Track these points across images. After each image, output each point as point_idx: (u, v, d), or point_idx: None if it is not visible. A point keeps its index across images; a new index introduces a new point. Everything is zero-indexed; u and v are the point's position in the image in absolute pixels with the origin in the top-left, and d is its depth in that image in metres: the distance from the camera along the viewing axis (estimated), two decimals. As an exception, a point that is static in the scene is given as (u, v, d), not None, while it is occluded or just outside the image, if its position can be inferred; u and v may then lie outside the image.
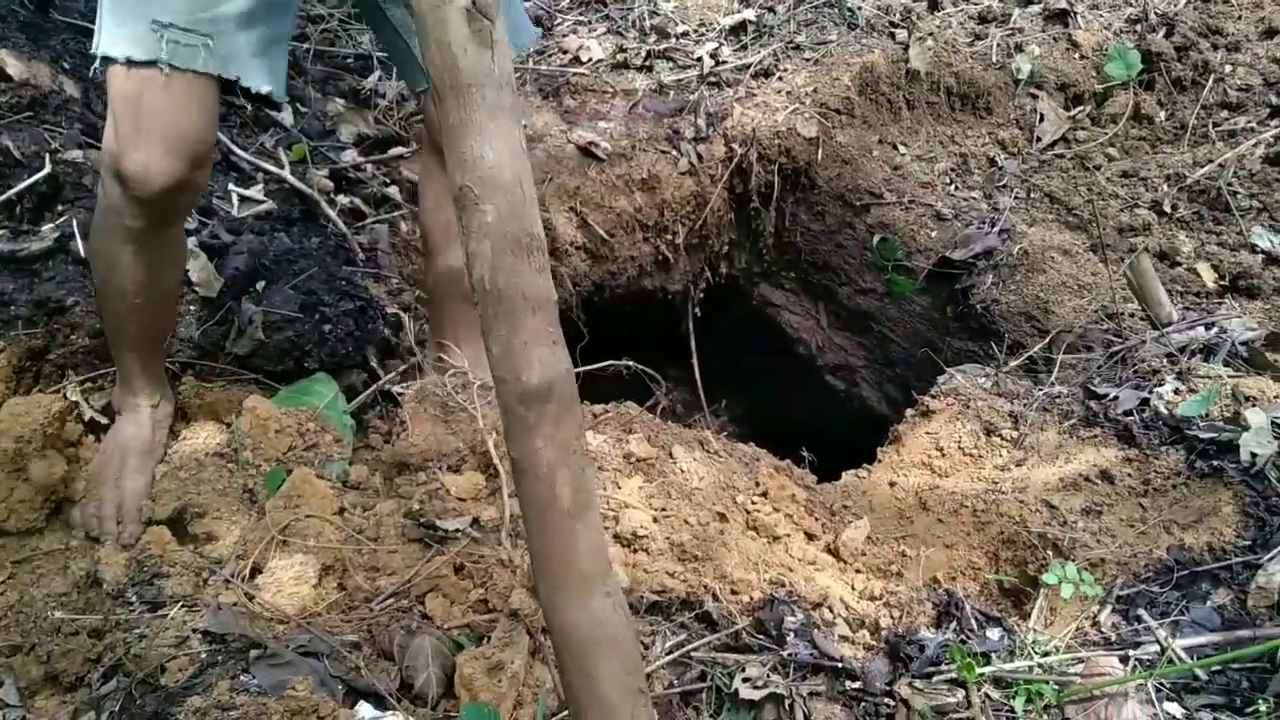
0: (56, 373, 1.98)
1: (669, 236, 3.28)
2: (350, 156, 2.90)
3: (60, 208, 2.17)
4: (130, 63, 1.41)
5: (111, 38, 1.42)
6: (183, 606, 1.51)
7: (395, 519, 1.77)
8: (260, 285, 2.19)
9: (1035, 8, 3.82)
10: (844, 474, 2.22)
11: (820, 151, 3.23)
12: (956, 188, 3.29)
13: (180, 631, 1.46)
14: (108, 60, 1.43)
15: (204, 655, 1.43)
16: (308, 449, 1.94)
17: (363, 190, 2.80)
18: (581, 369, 2.22)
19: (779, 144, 3.23)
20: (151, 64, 1.41)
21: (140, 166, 1.46)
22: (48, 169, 2.15)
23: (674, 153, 3.23)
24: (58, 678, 1.49)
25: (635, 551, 1.72)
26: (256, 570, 1.58)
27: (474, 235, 0.94)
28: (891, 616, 1.62)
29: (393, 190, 2.84)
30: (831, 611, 1.64)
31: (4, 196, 2.08)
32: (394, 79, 3.17)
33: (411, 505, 1.80)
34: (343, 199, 2.72)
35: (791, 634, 1.56)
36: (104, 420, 1.94)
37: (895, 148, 3.39)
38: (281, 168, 2.65)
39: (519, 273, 0.95)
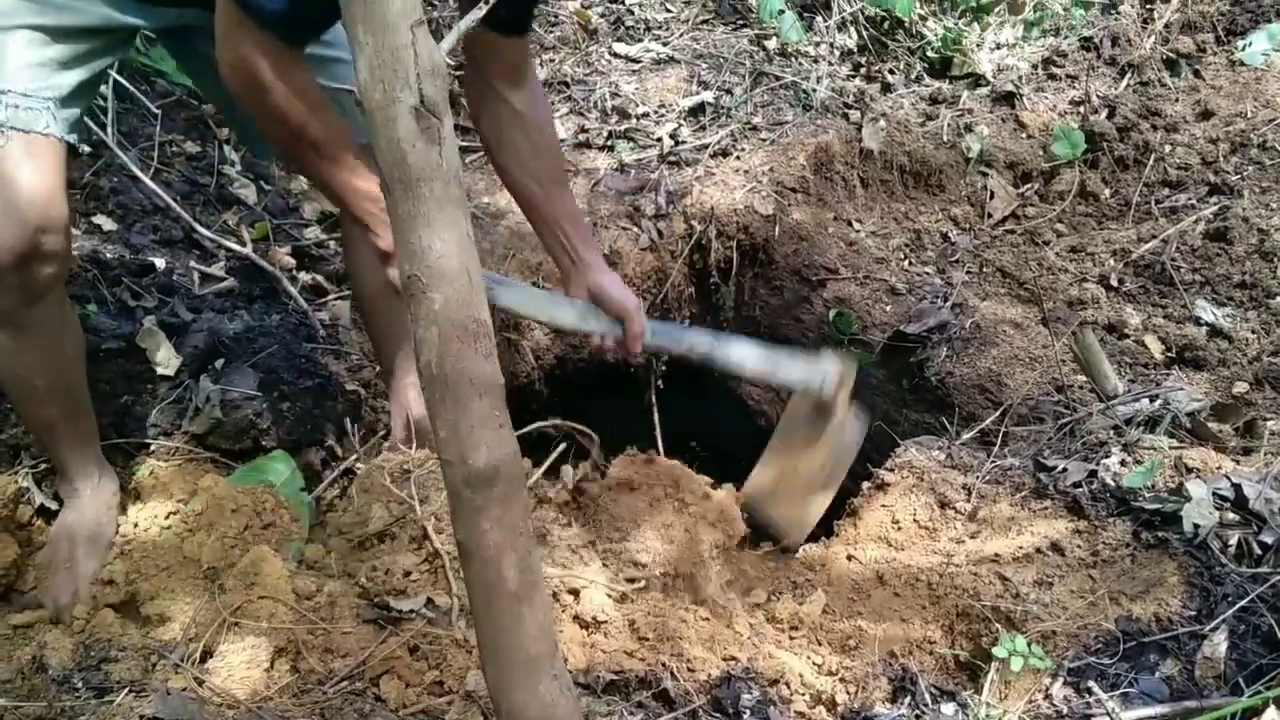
0: (8, 453, 1.97)
1: (632, 311, 3.32)
2: (313, 233, 2.93)
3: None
4: None
5: None
6: (130, 692, 1.48)
7: (350, 599, 1.76)
8: (219, 363, 2.20)
9: (983, 90, 3.96)
10: (802, 547, 2.23)
11: (777, 228, 3.31)
12: (910, 263, 3.37)
13: (127, 718, 1.44)
14: None
15: (151, 743, 1.40)
16: (265, 528, 1.93)
17: (324, 267, 2.82)
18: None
19: (737, 221, 3.30)
20: None
21: None
22: None
23: (635, 229, 3.29)
24: (-2, 769, 1.46)
25: (592, 632, 1.72)
26: (208, 654, 1.56)
27: (422, 322, 0.96)
28: (848, 692, 1.63)
29: (355, 267, 2.87)
30: (789, 687, 1.64)
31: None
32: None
33: (366, 585, 1.79)
34: (304, 276, 2.74)
35: (748, 711, 1.56)
36: (54, 505, 1.92)
37: (850, 224, 3.47)
38: (244, 245, 2.67)
39: (466, 358, 0.97)
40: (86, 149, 1.63)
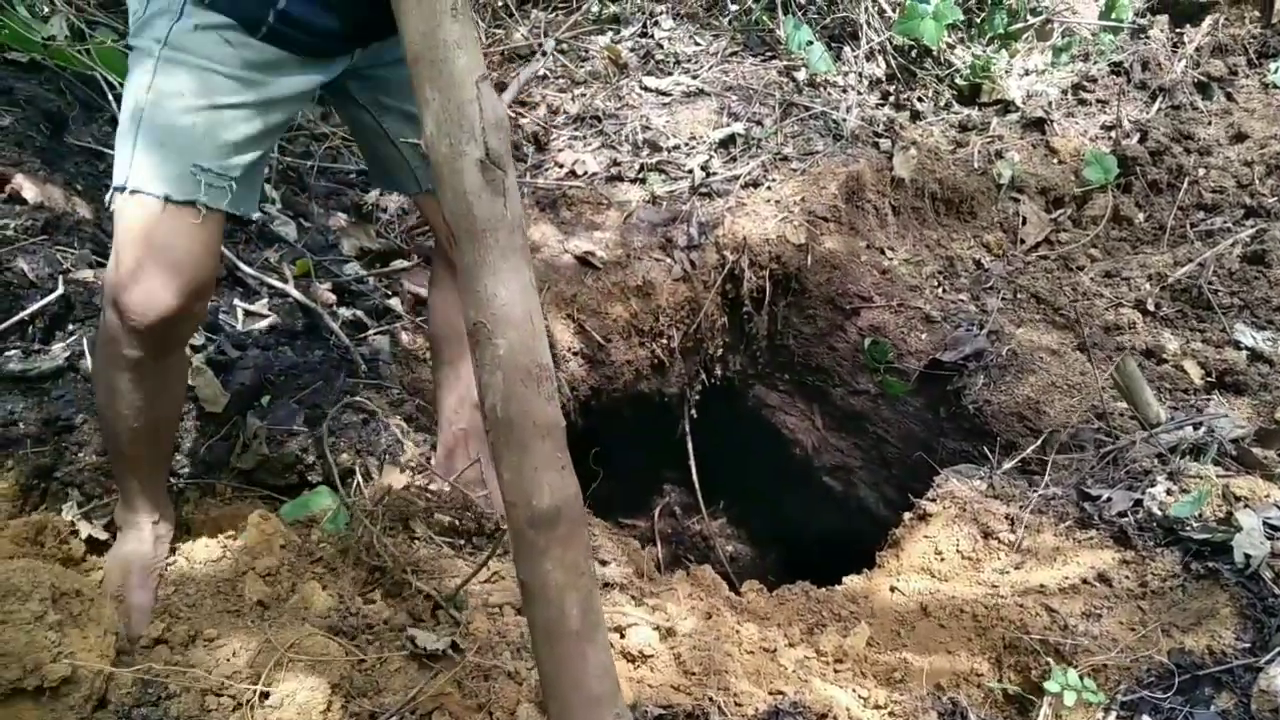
0: (63, 490, 2.00)
1: (664, 341, 3.34)
2: (353, 270, 2.97)
3: (71, 327, 2.21)
4: (168, 200, 1.47)
5: (148, 175, 1.47)
6: (188, 730, 1.50)
7: (396, 634, 1.77)
8: (265, 400, 2.23)
9: (1013, 116, 3.97)
10: (845, 579, 2.22)
11: (810, 257, 3.32)
12: (944, 290, 3.38)
13: (186, 756, 1.45)
14: (137, 193, 1.48)
15: (209, 780, 1.42)
16: (313, 562, 1.95)
17: (364, 303, 2.86)
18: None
19: (769, 251, 3.32)
20: (190, 204, 1.48)
21: (142, 298, 1.49)
22: (60, 290, 2.20)
23: (668, 260, 3.31)
24: (59, 806, 1.47)
25: (639, 666, 1.72)
26: (265, 692, 1.58)
27: (487, 367, 0.98)
28: (897, 727, 1.62)
29: (394, 302, 2.90)
30: (837, 722, 1.64)
31: (17, 318, 2.13)
32: (379, 190, 3.26)
33: (405, 622, 1.80)
34: (345, 312, 2.77)
35: (798, 746, 1.56)
36: (103, 536, 1.95)
37: (883, 252, 3.48)
38: (286, 282, 2.71)
39: (529, 401, 0.99)
40: (257, 214, 1.69)
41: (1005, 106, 4.03)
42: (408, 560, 1.93)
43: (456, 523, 2.11)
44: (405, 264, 3.05)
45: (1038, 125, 3.91)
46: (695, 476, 3.47)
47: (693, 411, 3.51)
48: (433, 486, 2.22)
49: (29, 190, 2.47)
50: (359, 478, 2.17)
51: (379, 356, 2.68)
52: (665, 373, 3.41)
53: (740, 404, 3.58)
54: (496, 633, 1.78)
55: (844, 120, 3.79)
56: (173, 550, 1.95)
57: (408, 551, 1.97)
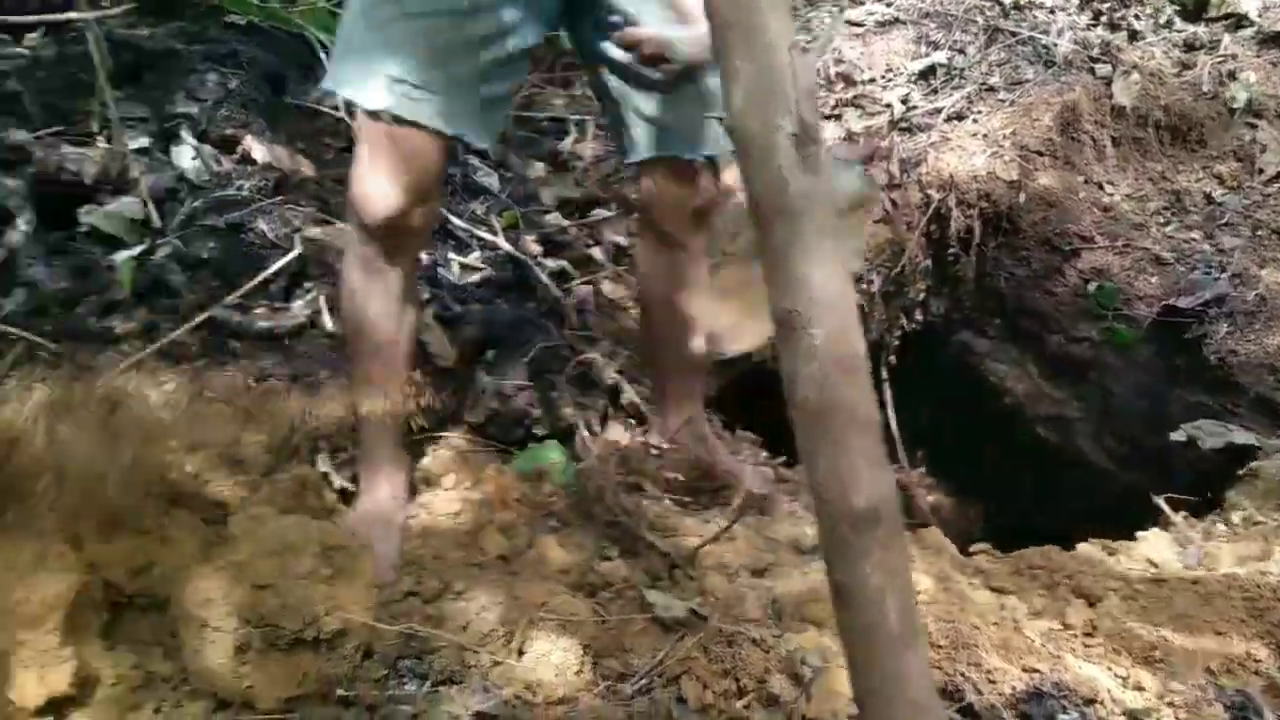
0: (309, 444, 2.10)
1: (864, 285, 3.23)
2: (554, 219, 2.98)
3: (308, 284, 2.30)
4: (363, 110, 1.58)
5: (352, 87, 1.58)
6: (453, 684, 1.56)
7: (636, 594, 1.79)
8: (491, 354, 2.27)
9: (1247, 31, 3.61)
10: (1082, 544, 2.11)
11: (1022, 195, 3.13)
12: (1173, 228, 3.13)
13: (453, 710, 1.51)
14: (350, 104, 1.62)
15: (480, 736, 1.46)
16: (544, 516, 1.99)
17: (568, 253, 2.87)
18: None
19: (978, 188, 3.15)
20: (377, 114, 1.56)
21: (366, 195, 1.62)
22: (298, 249, 2.28)
23: (868, 201, 3.18)
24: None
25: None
26: (520, 651, 1.62)
27: (801, 357, 0.94)
28: (1176, 717, 1.53)
29: (596, 251, 2.90)
30: (1104, 707, 1.56)
31: (261, 277, 2.23)
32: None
33: (642, 581, 1.81)
34: (551, 263, 2.79)
35: (1066, 731, 1.49)
36: (352, 488, 2.03)
37: (1102, 188, 3.25)
38: (495, 234, 2.74)
39: (845, 393, 0.94)
40: (481, 144, 1.74)
41: (1237, 21, 3.67)
42: (641, 517, 1.94)
43: (682, 479, 2.10)
44: (606, 214, 3.04)
45: (1276, 41, 3.54)
46: (894, 425, 3.37)
47: (892, 358, 3.39)
48: (653, 441, 2.22)
49: (257, 151, 2.57)
50: (584, 431, 2.19)
51: (585, 307, 2.69)
52: (864, 318, 3.30)
53: (943, 350, 3.44)
54: (735, 596, 1.77)
55: (1055, 45, 3.53)
56: (413, 501, 2.02)
57: (639, 509, 1.98)
